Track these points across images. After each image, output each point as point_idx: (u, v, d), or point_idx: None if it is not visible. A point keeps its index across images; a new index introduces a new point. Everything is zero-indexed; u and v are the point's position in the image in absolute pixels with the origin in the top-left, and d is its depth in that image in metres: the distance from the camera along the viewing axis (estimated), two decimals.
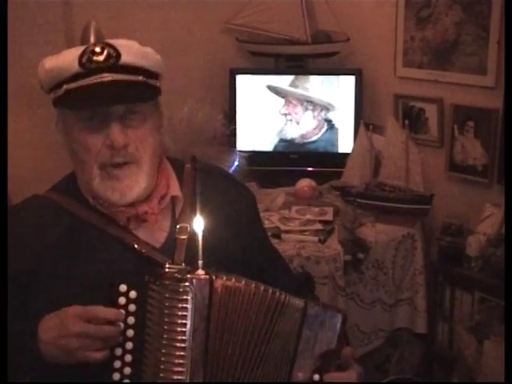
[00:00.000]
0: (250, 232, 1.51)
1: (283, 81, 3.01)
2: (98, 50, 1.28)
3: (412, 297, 2.58)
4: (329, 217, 2.62)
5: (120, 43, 1.31)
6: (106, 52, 1.28)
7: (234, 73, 3.04)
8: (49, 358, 1.23)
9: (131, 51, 1.31)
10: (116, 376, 1.22)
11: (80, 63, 1.28)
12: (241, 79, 3.03)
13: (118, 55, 1.29)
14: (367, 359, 2.54)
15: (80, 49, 1.30)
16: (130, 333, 1.23)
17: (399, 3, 2.83)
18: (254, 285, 1.27)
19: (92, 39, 2.33)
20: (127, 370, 1.22)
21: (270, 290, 1.28)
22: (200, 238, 1.23)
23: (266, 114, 3.04)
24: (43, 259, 1.31)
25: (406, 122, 2.68)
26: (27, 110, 2.64)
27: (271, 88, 3.02)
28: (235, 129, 2.99)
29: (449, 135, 2.74)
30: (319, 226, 2.55)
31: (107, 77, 1.28)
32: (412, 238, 2.57)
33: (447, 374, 2.63)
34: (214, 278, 1.23)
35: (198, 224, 1.25)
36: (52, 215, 1.35)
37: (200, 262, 1.23)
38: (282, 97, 3.02)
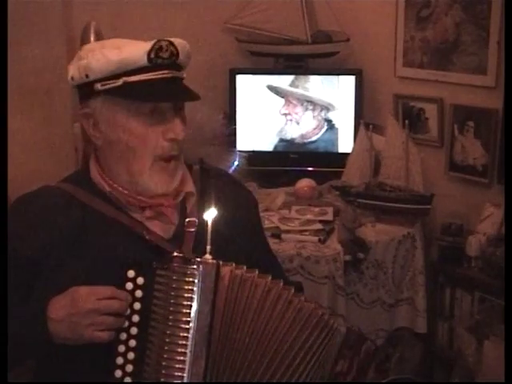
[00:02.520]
0: (252, 237, 1.54)
1: (283, 81, 3.01)
2: (164, 47, 1.35)
3: (412, 297, 2.58)
4: (329, 217, 2.62)
5: (178, 42, 1.38)
6: (169, 49, 1.35)
7: (233, 73, 3.04)
8: (57, 337, 1.25)
9: (184, 50, 1.39)
10: (120, 360, 1.25)
11: (149, 58, 1.32)
12: (241, 79, 3.03)
13: (178, 53, 1.37)
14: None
15: (146, 43, 1.35)
16: (136, 318, 1.25)
17: (399, 3, 2.83)
18: (269, 278, 1.28)
19: (92, 39, 2.34)
20: (131, 355, 1.25)
21: (292, 290, 1.29)
22: (209, 224, 1.26)
23: (266, 114, 3.04)
24: (53, 246, 1.34)
25: (406, 122, 2.68)
26: (27, 111, 2.64)
27: (271, 88, 3.02)
28: (235, 129, 2.99)
29: (449, 135, 2.74)
30: (319, 226, 2.55)
31: (168, 73, 1.35)
32: (412, 238, 2.57)
33: (447, 374, 2.63)
34: (221, 263, 1.26)
35: (208, 208, 1.28)
36: (63, 204, 1.38)
37: (208, 248, 1.25)
38: (282, 97, 3.02)
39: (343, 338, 1.31)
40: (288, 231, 2.51)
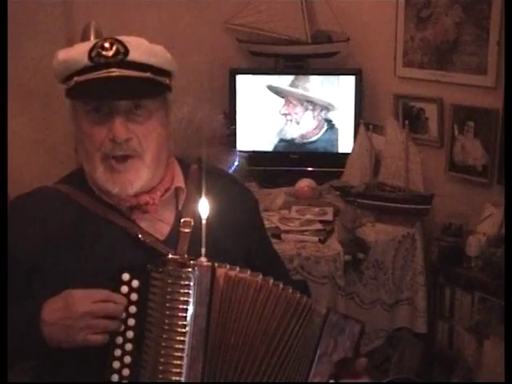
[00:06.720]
0: (253, 236, 1.53)
1: (283, 81, 3.01)
2: (107, 45, 1.31)
3: (412, 297, 2.58)
4: (329, 217, 2.62)
5: (129, 40, 1.34)
6: (114, 48, 1.31)
7: (233, 73, 3.04)
8: (51, 340, 1.25)
9: (140, 48, 1.34)
10: (116, 364, 1.24)
11: (89, 57, 1.31)
12: (241, 79, 3.03)
13: (127, 51, 1.32)
14: (367, 359, 2.54)
15: (91, 43, 1.34)
16: (132, 322, 1.25)
17: (399, 3, 2.83)
18: (260, 277, 1.27)
19: (92, 39, 2.34)
20: (127, 359, 1.24)
21: (281, 286, 1.28)
22: (204, 224, 1.25)
23: (266, 114, 3.04)
24: (49, 247, 1.34)
25: (406, 122, 2.68)
26: (27, 110, 2.64)
27: (271, 88, 3.02)
28: (235, 129, 2.99)
29: (449, 135, 2.74)
30: (319, 226, 2.55)
31: (114, 72, 1.31)
32: (412, 238, 2.57)
33: (447, 374, 2.63)
34: (216, 265, 1.25)
35: (203, 208, 1.26)
36: (60, 205, 1.38)
37: (203, 250, 1.25)
38: (282, 97, 3.02)
39: (324, 318, 1.29)
40: (288, 231, 2.51)
